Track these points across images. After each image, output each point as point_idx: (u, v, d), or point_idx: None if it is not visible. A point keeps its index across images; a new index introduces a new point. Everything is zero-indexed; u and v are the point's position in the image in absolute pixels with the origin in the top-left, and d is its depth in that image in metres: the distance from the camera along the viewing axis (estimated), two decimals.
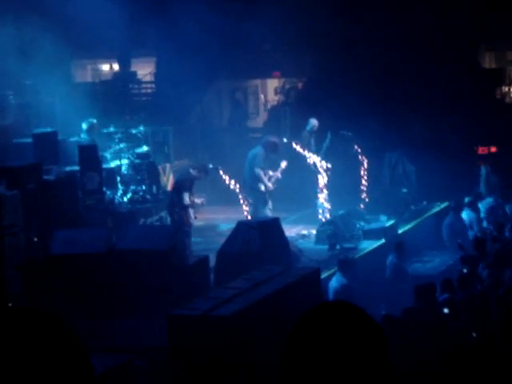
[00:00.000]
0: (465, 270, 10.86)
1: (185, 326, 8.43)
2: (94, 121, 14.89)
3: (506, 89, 22.04)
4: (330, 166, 15.36)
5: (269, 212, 14.44)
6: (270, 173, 14.63)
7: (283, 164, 14.79)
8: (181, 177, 13.88)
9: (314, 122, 16.52)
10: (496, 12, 20.05)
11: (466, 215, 15.42)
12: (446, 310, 9.42)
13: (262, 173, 14.50)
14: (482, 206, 15.85)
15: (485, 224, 15.47)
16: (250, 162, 14.59)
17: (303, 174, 16.26)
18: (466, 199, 15.70)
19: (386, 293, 11.99)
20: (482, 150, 19.20)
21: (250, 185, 14.52)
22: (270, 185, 14.54)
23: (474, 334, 8.86)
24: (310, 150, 15.87)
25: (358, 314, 2.00)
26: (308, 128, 16.50)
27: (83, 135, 14.73)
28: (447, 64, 19.85)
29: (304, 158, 15.96)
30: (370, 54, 19.61)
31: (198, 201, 13.19)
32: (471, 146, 19.11)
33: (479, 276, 10.86)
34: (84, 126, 14.79)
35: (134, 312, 9.90)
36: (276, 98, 23.12)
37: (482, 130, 18.99)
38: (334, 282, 11.71)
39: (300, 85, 22.93)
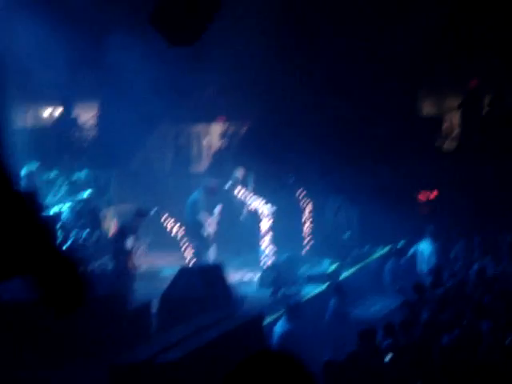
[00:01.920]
0: (405, 316, 10.93)
1: (127, 374, 8.31)
2: (34, 166, 14.72)
3: (444, 136, 22.45)
4: (272, 210, 15.40)
5: (212, 257, 14.41)
6: (209, 218, 14.65)
7: (217, 209, 14.77)
8: (124, 222, 13.81)
9: (239, 171, 16.36)
10: (435, 60, 20.48)
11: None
12: (389, 356, 9.45)
13: (203, 217, 14.49)
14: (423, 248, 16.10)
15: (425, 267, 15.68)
16: (191, 208, 14.58)
17: (246, 218, 16.29)
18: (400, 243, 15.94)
19: (328, 336, 12.00)
20: (422, 196, 19.48)
21: (193, 230, 14.49)
22: (211, 229, 14.54)
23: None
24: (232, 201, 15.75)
25: (290, 363, 2.00)
26: (233, 178, 16.25)
27: (22, 182, 14.54)
28: (388, 110, 20.18)
29: (247, 202, 16.00)
30: (312, 100, 19.85)
31: (139, 251, 13.10)
32: (412, 191, 19.39)
33: (420, 321, 10.93)
34: (23, 171, 14.61)
35: (74, 361, 9.72)
36: (220, 142, 23.21)
37: (422, 175, 19.29)
38: (279, 327, 11.68)
39: (243, 129, 23.07)
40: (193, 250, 14.50)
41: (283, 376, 1.99)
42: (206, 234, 14.46)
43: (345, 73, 19.74)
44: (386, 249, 16.83)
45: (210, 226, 14.55)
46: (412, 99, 21.88)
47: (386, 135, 19.83)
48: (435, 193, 19.51)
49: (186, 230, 14.45)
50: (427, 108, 24.24)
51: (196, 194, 14.68)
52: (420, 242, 16.28)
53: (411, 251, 16.16)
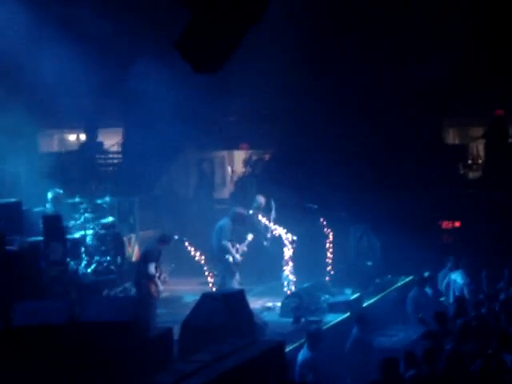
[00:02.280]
0: (428, 346, 10.83)
1: None
2: (60, 191, 14.83)
3: (469, 164, 22.40)
4: (295, 238, 15.39)
5: (236, 284, 14.41)
6: (237, 245, 14.68)
7: (250, 237, 14.85)
8: (147, 247, 13.84)
9: (260, 199, 16.36)
10: (459, 90, 20.48)
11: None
12: None
13: (229, 244, 14.54)
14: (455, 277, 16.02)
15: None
16: (217, 234, 14.61)
17: (269, 245, 16.29)
18: (426, 274, 15.82)
19: (350, 365, 11.92)
20: (445, 225, 19.39)
21: (218, 256, 14.52)
22: (237, 256, 14.57)
23: None
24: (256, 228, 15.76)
25: None
26: (255, 205, 16.29)
27: (48, 205, 14.64)
28: (413, 139, 20.18)
29: (269, 229, 16.01)
30: (336, 129, 19.89)
31: (161, 278, 13.11)
32: (435, 221, 19.30)
33: (443, 351, 10.84)
34: (49, 195, 14.72)
35: None
36: (244, 169, 23.28)
37: (446, 204, 19.21)
38: (301, 355, 11.62)
39: (267, 156, 23.14)
40: (217, 277, 14.51)
41: None
42: (230, 260, 14.48)
43: (370, 101, 19.78)
44: (409, 278, 16.73)
45: (239, 252, 14.60)
46: (437, 128, 21.90)
47: (410, 163, 19.81)
48: (459, 222, 19.43)
49: (211, 257, 14.48)
50: (452, 136, 24.22)
51: (223, 221, 14.72)
52: (452, 272, 16.12)
53: (444, 282, 16.02)
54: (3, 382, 9.78)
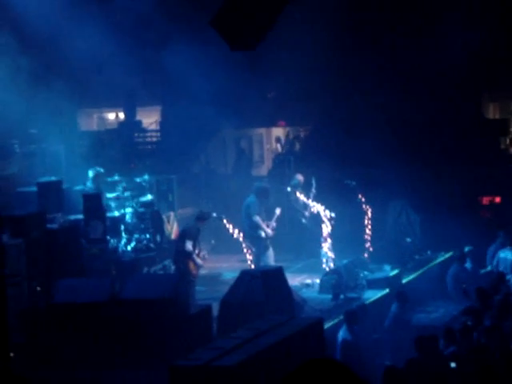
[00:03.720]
0: (469, 322, 10.78)
1: (187, 376, 8.37)
2: (101, 170, 14.95)
3: (510, 139, 22.13)
4: (333, 215, 15.36)
5: (271, 260, 14.44)
6: (267, 222, 14.68)
7: (278, 211, 14.81)
8: (186, 225, 13.92)
9: (299, 177, 16.38)
10: (500, 63, 20.21)
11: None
12: (453, 365, 9.32)
13: (259, 219, 14.54)
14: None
15: None
16: (245, 212, 14.66)
17: (308, 222, 16.29)
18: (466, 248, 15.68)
19: (389, 342, 11.90)
20: (485, 200, 19.21)
21: (250, 234, 14.53)
22: (269, 231, 14.56)
23: None
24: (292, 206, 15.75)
25: (342, 372, 2.01)
26: (292, 183, 16.31)
27: (89, 183, 14.78)
28: (451, 114, 19.98)
29: (308, 207, 16.00)
30: (374, 104, 19.76)
31: (200, 256, 13.15)
32: (475, 196, 19.13)
33: (483, 328, 10.78)
34: (90, 174, 14.85)
35: (136, 362, 9.84)
36: (277, 147, 23.26)
37: (486, 180, 19.02)
38: (341, 334, 11.61)
39: (304, 134, 23.08)
40: (253, 254, 14.55)
41: None
42: (263, 235, 14.50)
43: (408, 76, 19.61)
44: (449, 254, 16.63)
45: (269, 227, 14.58)
46: (477, 102, 21.64)
47: (450, 139, 19.63)
48: (499, 197, 19.23)
49: (244, 236, 14.52)
50: (492, 111, 23.93)
51: (249, 199, 14.76)
52: (502, 249, 15.92)
53: (495, 260, 15.83)
54: (45, 358, 9.94)
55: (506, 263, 15.64)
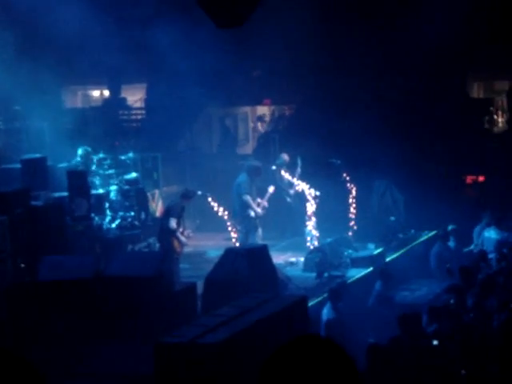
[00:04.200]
0: (452, 301, 10.86)
1: (171, 353, 8.41)
2: (89, 148, 14.93)
3: (494, 118, 22.21)
4: (318, 193, 15.39)
5: (259, 239, 14.47)
6: (259, 200, 14.70)
7: (271, 189, 14.84)
8: (170, 203, 13.90)
9: (285, 156, 16.37)
10: (484, 43, 20.23)
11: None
12: (435, 342, 9.40)
13: (249, 199, 14.54)
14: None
15: None
16: (236, 190, 14.65)
17: (292, 201, 16.33)
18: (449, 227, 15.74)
19: (372, 320, 11.99)
20: (469, 179, 19.30)
21: (240, 213, 14.55)
22: (259, 210, 14.58)
23: (463, 371, 8.82)
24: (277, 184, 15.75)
25: (329, 348, 2.02)
26: (278, 162, 16.31)
27: (77, 161, 14.75)
28: (436, 93, 20.00)
29: (293, 185, 16.03)
30: (359, 83, 19.75)
31: (184, 234, 13.15)
32: (459, 175, 19.21)
33: (466, 306, 10.87)
34: (79, 152, 14.81)
35: (121, 338, 9.87)
36: (260, 125, 23.26)
37: (470, 159, 19.09)
38: (325, 311, 11.67)
39: (289, 112, 23.06)
40: (239, 233, 14.57)
41: (324, 362, 2.00)
42: (252, 215, 14.52)
43: (393, 55, 19.60)
44: (432, 233, 16.72)
45: (260, 206, 14.60)
46: (461, 81, 21.66)
47: (434, 118, 19.66)
48: (483, 176, 19.32)
49: (233, 214, 14.53)
50: (477, 90, 23.97)
51: (240, 177, 14.75)
52: (487, 228, 15.97)
53: (480, 239, 15.87)
54: (30, 334, 9.94)
55: (490, 242, 15.74)
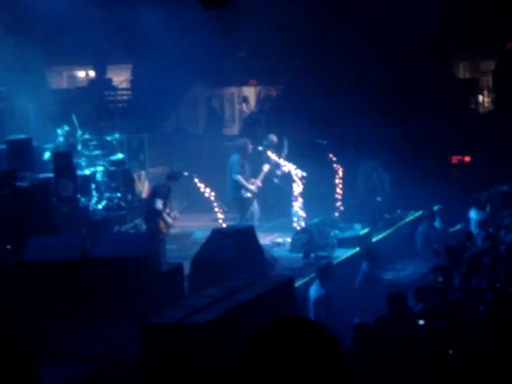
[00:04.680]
0: (439, 279, 10.92)
1: (158, 334, 8.42)
2: (66, 127, 14.86)
3: (480, 98, 22.24)
4: (305, 174, 15.39)
5: (256, 215, 14.52)
6: (253, 180, 14.68)
7: (266, 167, 14.82)
8: (157, 184, 13.87)
9: (273, 137, 16.24)
10: (470, 23, 20.22)
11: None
12: (421, 322, 9.44)
13: (240, 178, 14.51)
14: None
15: None
16: (228, 170, 14.64)
17: (279, 181, 16.32)
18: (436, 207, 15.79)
19: (359, 300, 12.04)
20: (455, 160, 19.35)
21: (233, 194, 14.51)
22: (252, 187, 14.56)
23: (451, 351, 8.87)
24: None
25: (313, 329, 2.02)
26: (265, 143, 16.17)
27: (60, 141, 14.70)
28: (421, 73, 20.00)
29: (279, 166, 16.02)
30: (345, 63, 19.73)
31: (171, 215, 13.13)
32: (445, 155, 19.25)
33: (452, 285, 10.92)
34: (59, 131, 14.75)
35: (107, 319, 9.86)
36: (245, 106, 23.21)
37: (456, 139, 19.13)
38: (313, 292, 11.71)
39: (276, 93, 23.02)
40: (223, 214, 14.56)
41: (307, 343, 2.00)
42: (245, 196, 14.50)
43: (379, 35, 19.58)
44: (418, 213, 16.78)
45: (254, 185, 14.59)
46: (447, 62, 21.66)
47: (420, 98, 19.67)
48: (468, 158, 19.37)
49: (228, 196, 14.52)
50: (462, 70, 23.97)
51: (231, 158, 14.74)
52: (470, 209, 16.03)
53: (467, 219, 15.92)
54: (16, 316, 9.93)
55: (471, 222, 15.84)
